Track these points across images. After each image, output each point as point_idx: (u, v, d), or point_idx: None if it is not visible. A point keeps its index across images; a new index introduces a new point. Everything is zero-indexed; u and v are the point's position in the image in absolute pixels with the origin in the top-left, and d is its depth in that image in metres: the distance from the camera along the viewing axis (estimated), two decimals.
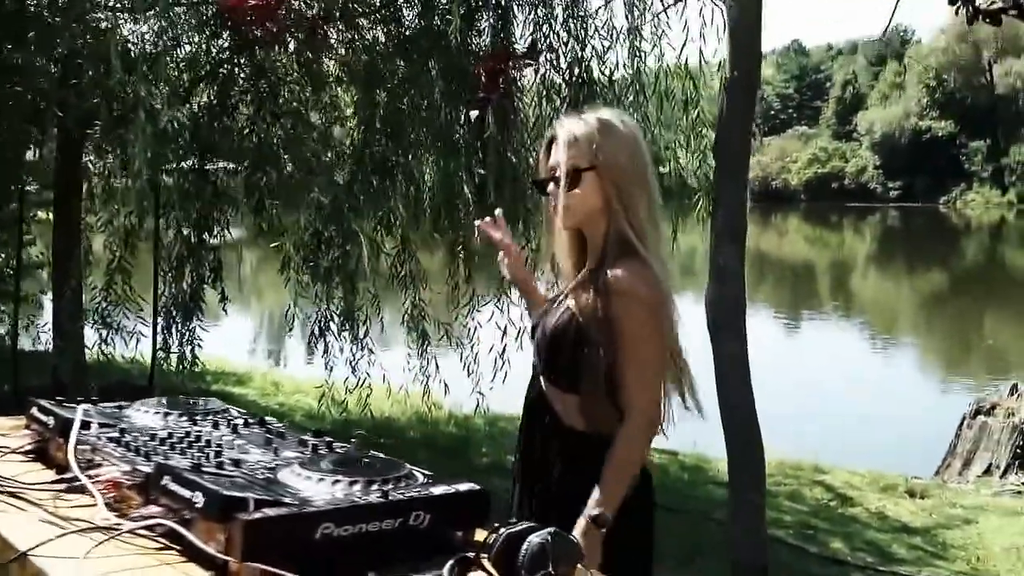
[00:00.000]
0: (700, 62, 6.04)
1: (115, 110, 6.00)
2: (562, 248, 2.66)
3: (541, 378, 2.60)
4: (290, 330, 7.11)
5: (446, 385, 7.68)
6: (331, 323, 7.06)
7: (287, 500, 1.81)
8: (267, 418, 2.49)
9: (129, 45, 6.37)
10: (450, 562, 1.73)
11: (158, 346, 6.99)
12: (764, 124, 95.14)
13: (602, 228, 2.54)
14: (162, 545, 1.82)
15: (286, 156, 6.78)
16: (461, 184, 6.40)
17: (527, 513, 2.52)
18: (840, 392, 13.99)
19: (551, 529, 1.76)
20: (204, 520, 1.76)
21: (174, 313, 6.96)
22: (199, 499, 1.79)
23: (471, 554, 1.78)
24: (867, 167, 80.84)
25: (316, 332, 7.11)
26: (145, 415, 2.45)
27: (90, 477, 2.05)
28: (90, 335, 7.08)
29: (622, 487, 2.45)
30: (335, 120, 7.30)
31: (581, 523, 2.40)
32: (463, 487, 2.00)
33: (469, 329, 7.49)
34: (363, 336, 7.06)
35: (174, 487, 1.86)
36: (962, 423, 9.72)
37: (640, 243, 2.47)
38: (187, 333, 7.09)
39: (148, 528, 1.86)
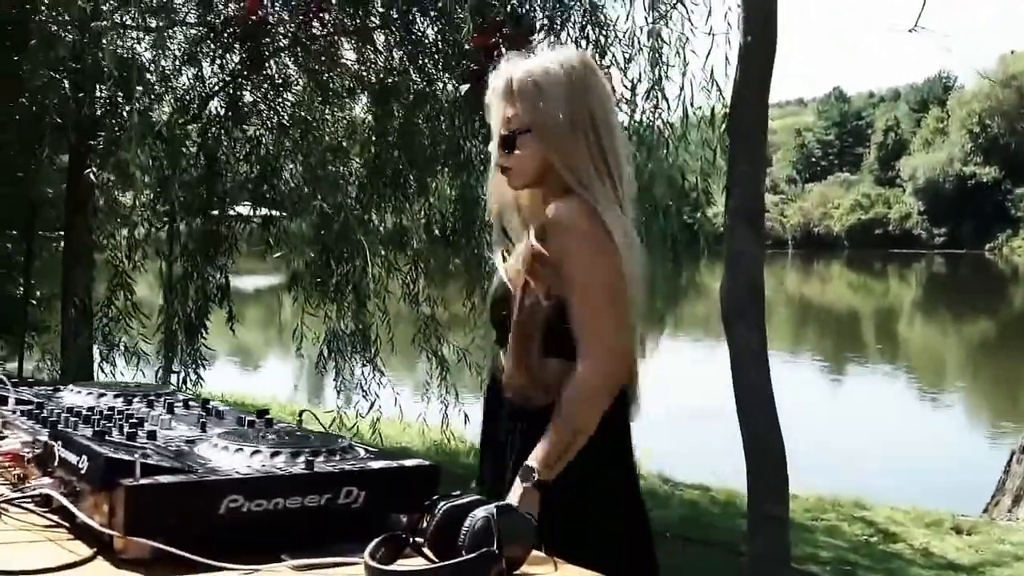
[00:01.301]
0: (725, 71, 5.78)
1: (118, 121, 5.86)
2: (511, 206, 2.38)
3: (501, 355, 2.30)
4: (298, 350, 6.85)
5: (466, 415, 7.37)
6: (340, 343, 6.81)
7: (189, 468, 1.54)
8: (213, 402, 2.23)
9: (135, 56, 6.20)
10: (375, 541, 1.44)
11: (160, 367, 6.79)
12: (805, 171, 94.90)
13: (545, 190, 2.28)
14: (53, 523, 1.57)
15: (294, 167, 6.61)
16: (476, 199, 6.17)
17: None
18: (884, 435, 13.64)
19: (499, 503, 1.48)
20: (90, 488, 1.50)
21: (178, 333, 6.76)
22: (84, 464, 1.52)
23: (403, 533, 1.49)
24: (911, 213, 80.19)
25: (325, 353, 6.87)
26: (76, 395, 2.21)
27: None
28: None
29: (565, 449, 2.12)
30: (347, 133, 7.12)
31: (516, 482, 2.11)
32: (409, 462, 1.72)
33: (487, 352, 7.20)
34: (373, 357, 6.79)
35: (64, 454, 1.60)
36: (1011, 460, 9.34)
37: (583, 189, 2.19)
38: (192, 353, 6.89)
39: (31, 500, 1.61)
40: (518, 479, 2.10)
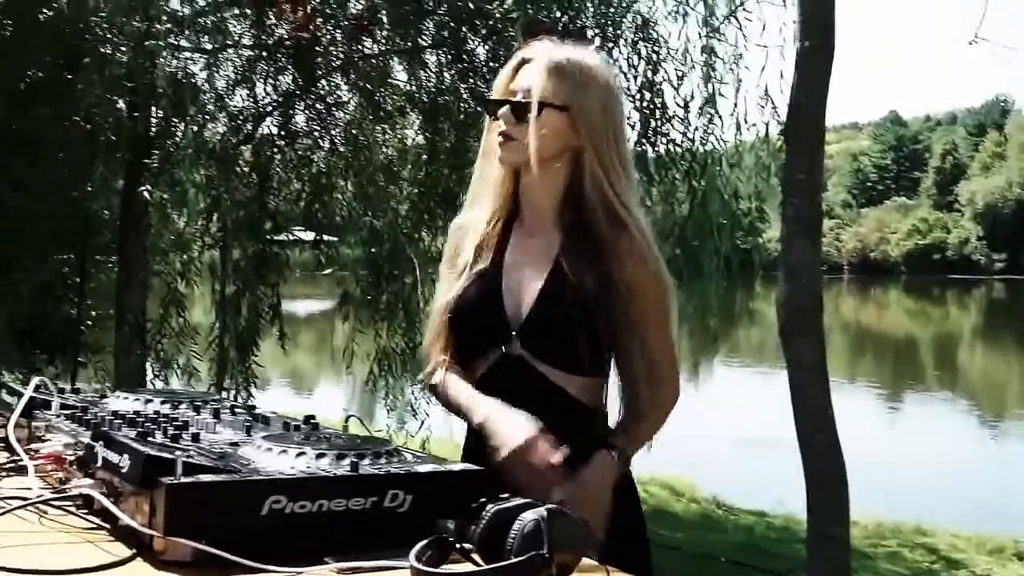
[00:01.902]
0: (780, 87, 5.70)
1: (172, 141, 5.91)
2: (490, 186, 2.26)
3: (527, 357, 2.16)
4: (348, 368, 6.82)
5: None
6: (390, 362, 6.77)
7: (231, 468, 1.50)
8: (260, 409, 2.20)
9: (189, 76, 6.26)
10: (420, 544, 1.38)
11: (212, 384, 6.80)
12: (861, 195, 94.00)
13: (556, 180, 2.20)
14: (93, 525, 1.53)
15: (345, 186, 6.61)
16: None
17: None
18: (944, 462, 13.40)
19: (550, 505, 1.41)
20: (130, 488, 1.46)
21: (230, 351, 6.77)
22: (125, 463, 1.49)
23: (449, 536, 1.43)
24: (970, 239, 79.09)
25: (375, 372, 6.83)
26: (123, 401, 2.18)
27: (31, 452, 1.77)
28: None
29: (641, 446, 2.22)
30: (398, 153, 7.12)
31: (597, 454, 2.09)
32: (456, 466, 1.67)
33: None
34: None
35: (105, 453, 1.56)
36: None
37: (620, 206, 2.15)
38: (244, 371, 6.89)
39: (72, 502, 1.57)
40: (607, 452, 2.10)
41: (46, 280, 7.75)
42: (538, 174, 2.16)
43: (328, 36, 6.28)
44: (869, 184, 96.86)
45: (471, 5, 6.15)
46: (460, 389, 2.23)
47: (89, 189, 6.39)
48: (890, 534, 8.56)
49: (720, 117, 6.04)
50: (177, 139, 5.92)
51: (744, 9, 5.98)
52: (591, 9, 5.99)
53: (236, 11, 6.52)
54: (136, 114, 6.40)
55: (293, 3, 4.71)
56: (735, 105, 6.09)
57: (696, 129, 6.13)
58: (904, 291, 69.54)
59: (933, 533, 8.70)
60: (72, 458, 1.73)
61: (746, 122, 6.00)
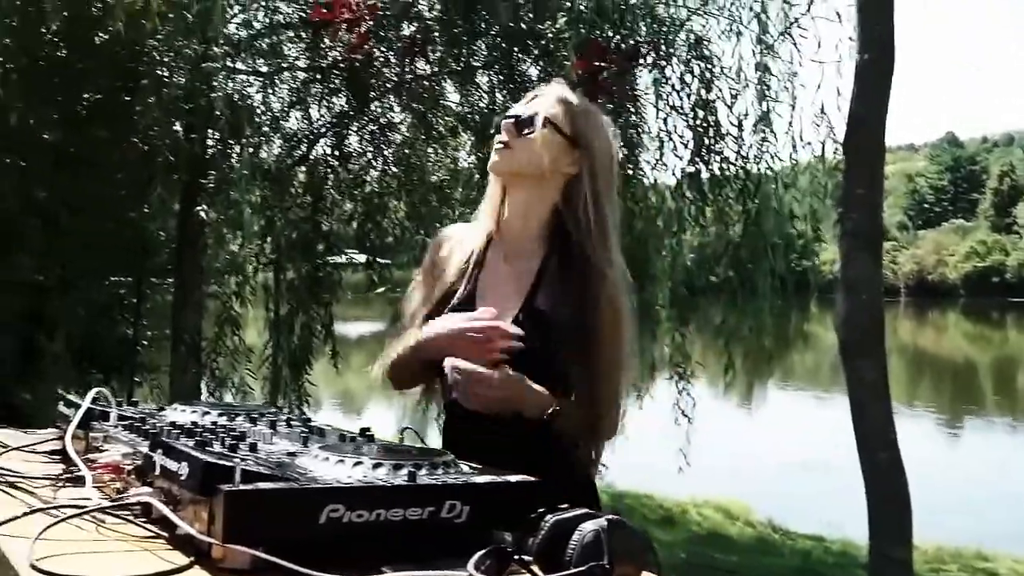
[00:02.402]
0: (837, 104, 5.62)
1: (228, 162, 5.97)
2: (489, 198, 2.34)
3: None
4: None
5: None
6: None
7: (289, 476, 1.49)
8: (315, 422, 2.20)
9: (245, 98, 6.33)
10: (479, 554, 1.36)
11: (265, 402, 6.83)
12: (918, 217, 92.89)
13: (540, 204, 2.25)
14: (151, 533, 1.53)
15: (397, 205, 6.63)
16: None
17: None
18: (1005, 487, 13.12)
19: (611, 516, 1.39)
20: (189, 495, 1.45)
21: (283, 369, 6.79)
22: (184, 470, 1.49)
23: (508, 546, 1.41)
24: None
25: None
26: (180, 413, 2.19)
27: (89, 462, 1.78)
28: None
29: (570, 425, 2.19)
30: (450, 173, 7.13)
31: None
32: (514, 477, 1.65)
33: None
34: None
35: (164, 461, 1.57)
36: None
37: (614, 249, 2.22)
38: (296, 389, 6.92)
39: (129, 511, 1.57)
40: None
41: (103, 301, 7.85)
42: (520, 189, 2.25)
43: (381, 58, 6.31)
44: (926, 206, 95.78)
45: (523, 26, 6.16)
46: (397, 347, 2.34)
47: (146, 210, 6.47)
48: (950, 559, 8.40)
49: (775, 135, 5.98)
50: (233, 160, 5.98)
51: (799, 26, 5.92)
52: (643, 28, 5.96)
53: (291, 34, 6.59)
54: (193, 136, 6.48)
55: (348, 24, 4.74)
56: (790, 123, 6.03)
57: (750, 147, 6.07)
58: (962, 314, 68.47)
59: (994, 558, 8.54)
60: (130, 467, 1.74)
61: (801, 140, 5.93)
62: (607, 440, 2.30)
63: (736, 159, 6.26)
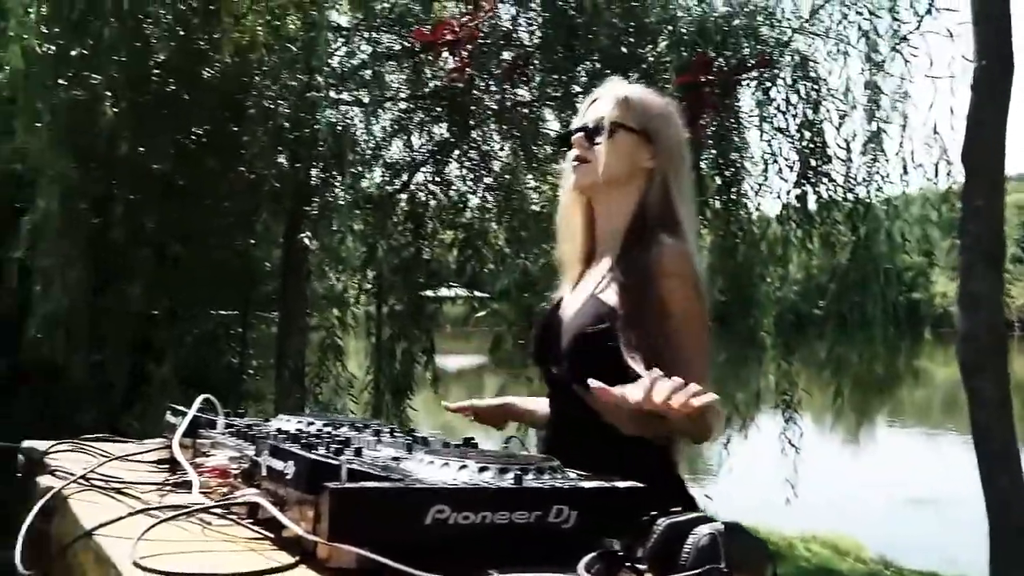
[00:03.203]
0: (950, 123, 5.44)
1: (331, 188, 6.05)
2: (568, 225, 2.35)
3: (575, 387, 2.14)
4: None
5: None
6: None
7: (395, 478, 1.47)
8: (422, 431, 2.19)
9: (348, 127, 6.41)
10: (588, 557, 1.32)
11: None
12: None
13: (626, 205, 2.22)
14: (258, 534, 1.52)
15: (497, 231, 6.64)
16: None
17: None
18: None
19: (727, 520, 1.33)
20: (295, 495, 1.44)
21: (385, 394, 6.83)
22: (290, 469, 1.47)
23: (618, 550, 1.36)
24: None
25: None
26: (286, 422, 2.20)
27: (196, 467, 1.78)
28: None
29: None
30: (550, 200, 7.11)
31: None
32: (623, 484, 1.60)
33: None
34: None
35: (270, 462, 1.56)
36: None
37: (684, 223, 2.18)
38: (398, 415, 6.93)
39: (230, 507, 1.57)
40: None
41: (210, 329, 8.01)
42: (607, 197, 2.23)
43: (481, 84, 6.34)
44: None
45: (623, 50, 6.13)
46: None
47: (252, 241, 6.58)
48: None
49: (885, 157, 5.82)
50: (336, 189, 6.06)
51: (908, 44, 5.78)
52: (747, 50, 5.88)
53: (393, 64, 6.67)
54: (298, 165, 6.59)
55: (450, 47, 4.77)
56: (900, 144, 5.87)
57: (859, 169, 5.92)
58: None
59: None
60: (237, 471, 1.73)
61: (912, 161, 5.75)
62: (715, 438, 2.16)
63: (844, 182, 6.12)
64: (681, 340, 2.07)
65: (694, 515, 1.35)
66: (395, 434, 2.10)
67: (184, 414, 2.11)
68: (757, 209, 6.30)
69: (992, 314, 4.11)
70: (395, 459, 1.68)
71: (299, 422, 2.19)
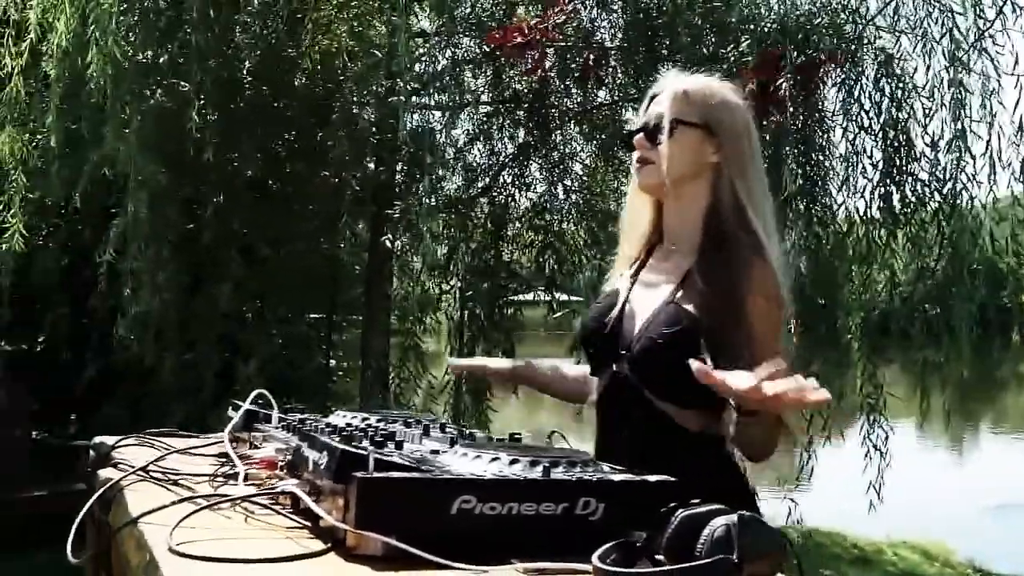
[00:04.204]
0: None
1: (414, 194, 6.13)
2: (635, 225, 2.30)
3: (646, 391, 2.12)
4: (578, 414, 6.76)
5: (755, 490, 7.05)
6: None
7: (425, 469, 1.50)
8: (473, 430, 2.22)
9: (431, 130, 6.49)
10: (605, 547, 1.34)
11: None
12: None
13: (696, 203, 2.17)
14: (297, 523, 1.57)
15: (577, 231, 6.65)
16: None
17: None
18: None
19: (741, 512, 1.34)
20: (328, 484, 1.49)
21: (464, 395, 6.87)
22: (323, 460, 1.52)
23: (636, 540, 1.37)
24: None
25: None
26: (341, 417, 2.27)
27: (245, 459, 1.85)
28: None
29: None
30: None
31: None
32: (652, 477, 1.61)
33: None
34: None
35: (309, 452, 1.61)
36: None
37: (762, 231, 2.10)
38: (477, 415, 6.97)
39: (268, 496, 1.62)
40: None
41: (298, 331, 8.16)
42: (675, 195, 2.17)
43: (562, 87, 6.36)
44: None
45: (705, 51, 6.08)
46: None
47: (339, 247, 6.69)
48: None
49: (971, 156, 5.67)
50: (418, 192, 6.14)
51: (994, 42, 5.63)
52: (828, 45, 5.80)
53: (475, 68, 6.73)
54: (382, 168, 6.69)
55: (520, 49, 4.79)
56: (987, 143, 5.72)
57: (944, 168, 5.77)
58: None
59: None
60: (283, 463, 1.79)
61: (1000, 160, 5.59)
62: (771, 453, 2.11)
63: (930, 180, 5.99)
64: (763, 353, 2.00)
65: (712, 507, 1.36)
66: (446, 430, 2.14)
67: (237, 407, 2.20)
68: (842, 207, 6.18)
69: None
70: (433, 452, 1.72)
71: (353, 417, 2.25)
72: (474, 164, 6.94)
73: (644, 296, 2.20)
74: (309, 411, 2.29)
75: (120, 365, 6.49)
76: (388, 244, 6.26)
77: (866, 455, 6.48)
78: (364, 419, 2.24)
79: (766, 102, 4.91)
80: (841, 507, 7.84)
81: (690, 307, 2.09)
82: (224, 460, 2.04)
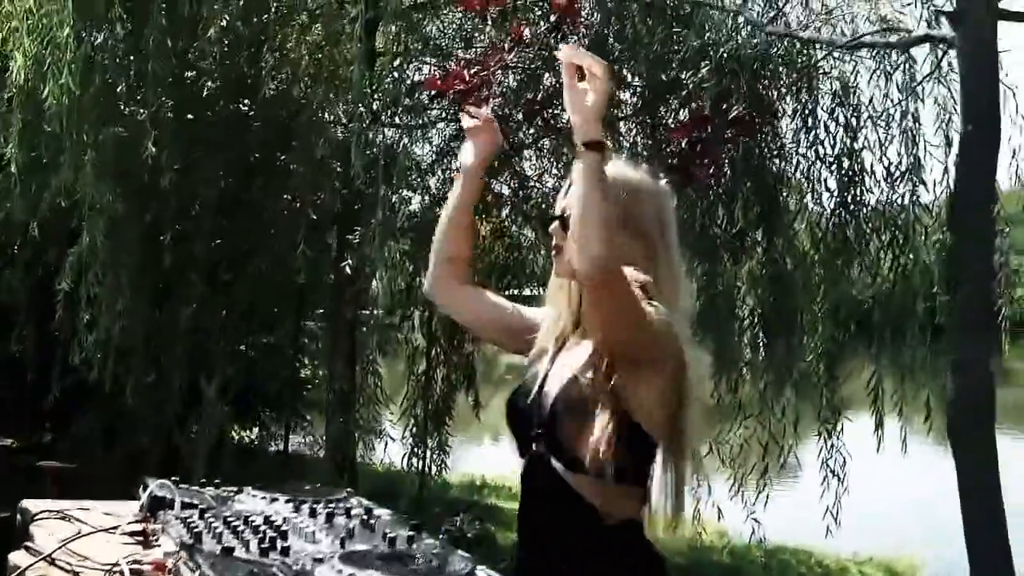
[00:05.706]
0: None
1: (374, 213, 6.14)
2: (555, 304, 2.30)
3: (553, 461, 2.14)
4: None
5: (719, 509, 7.09)
6: None
7: None
8: (378, 510, 2.26)
9: (392, 151, 6.48)
10: None
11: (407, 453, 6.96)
12: None
13: None
14: None
15: (535, 256, 6.66)
16: (725, 291, 6.03)
17: None
18: None
19: None
20: None
21: (426, 420, 6.91)
22: None
23: None
24: None
25: None
26: (251, 499, 2.30)
27: (137, 563, 1.89)
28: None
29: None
30: None
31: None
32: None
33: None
34: None
35: (184, 568, 1.64)
36: None
37: (668, 298, 2.12)
38: (438, 440, 7.00)
39: None
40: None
41: (262, 347, 8.19)
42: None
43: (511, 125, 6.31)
44: None
45: (663, 77, 6.11)
46: None
47: (300, 266, 6.70)
48: None
49: (925, 185, 5.75)
50: (379, 213, 6.13)
51: (952, 69, 5.71)
52: (784, 76, 5.85)
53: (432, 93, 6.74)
54: (345, 190, 6.69)
55: (462, 95, 4.77)
56: (944, 170, 5.81)
57: (900, 197, 5.85)
58: None
59: None
60: (171, 567, 1.83)
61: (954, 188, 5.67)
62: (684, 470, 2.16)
63: (885, 208, 6.06)
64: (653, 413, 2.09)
65: None
66: (351, 515, 2.18)
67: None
68: (796, 235, 6.24)
69: (982, 379, 4.00)
70: (317, 560, 1.75)
71: (263, 499, 2.29)
72: (436, 187, 6.96)
73: (558, 376, 2.22)
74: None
75: (90, 384, 6.49)
76: (348, 271, 6.27)
77: (823, 481, 6.53)
78: (273, 500, 2.28)
79: (695, 161, 4.95)
80: (806, 524, 7.85)
81: (589, 373, 2.12)
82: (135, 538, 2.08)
